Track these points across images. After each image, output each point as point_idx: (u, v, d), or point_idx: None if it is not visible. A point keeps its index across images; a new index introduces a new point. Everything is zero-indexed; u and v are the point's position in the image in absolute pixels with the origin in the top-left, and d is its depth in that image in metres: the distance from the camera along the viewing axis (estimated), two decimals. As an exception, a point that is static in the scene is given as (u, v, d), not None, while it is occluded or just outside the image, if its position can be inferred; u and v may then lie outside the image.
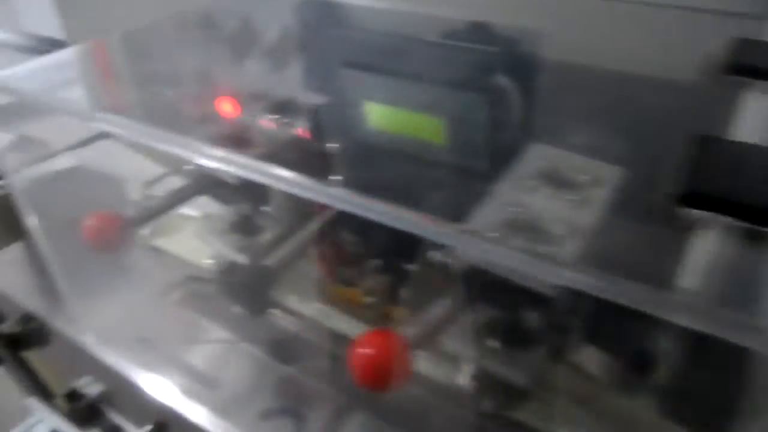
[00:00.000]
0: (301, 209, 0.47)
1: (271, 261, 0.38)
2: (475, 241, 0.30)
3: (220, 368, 0.52)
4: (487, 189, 0.46)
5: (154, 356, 0.54)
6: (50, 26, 1.28)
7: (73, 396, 0.74)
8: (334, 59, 0.57)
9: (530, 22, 0.51)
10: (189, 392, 0.50)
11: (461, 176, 0.51)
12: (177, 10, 0.64)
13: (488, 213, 0.34)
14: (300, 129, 0.46)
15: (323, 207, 0.46)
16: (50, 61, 0.49)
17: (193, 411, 0.49)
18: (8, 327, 0.67)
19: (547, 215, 0.33)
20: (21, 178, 0.47)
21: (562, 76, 0.49)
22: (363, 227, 0.42)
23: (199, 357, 0.53)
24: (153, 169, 0.63)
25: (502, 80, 0.47)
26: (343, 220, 0.42)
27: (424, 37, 0.52)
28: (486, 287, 0.33)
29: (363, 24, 0.60)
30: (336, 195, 0.33)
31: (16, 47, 1.39)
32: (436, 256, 0.37)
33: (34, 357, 0.70)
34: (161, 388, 0.51)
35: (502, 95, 0.47)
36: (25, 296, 0.62)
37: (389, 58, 0.55)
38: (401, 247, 0.42)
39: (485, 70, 0.48)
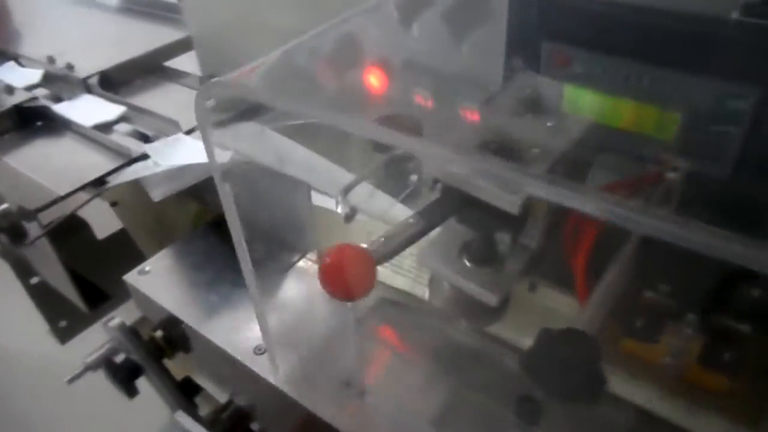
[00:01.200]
0: (561, 238, 0.38)
1: (585, 326, 0.29)
2: None
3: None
4: None
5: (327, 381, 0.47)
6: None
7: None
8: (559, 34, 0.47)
9: None
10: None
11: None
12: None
13: None
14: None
15: (590, 239, 0.36)
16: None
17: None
18: (151, 332, 0.61)
19: None
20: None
21: None
22: (677, 269, 0.33)
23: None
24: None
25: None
26: (651, 256, 0.32)
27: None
28: None
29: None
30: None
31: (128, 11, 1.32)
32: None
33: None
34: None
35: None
36: (177, 303, 0.56)
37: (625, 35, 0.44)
38: (732, 300, 0.32)
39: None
